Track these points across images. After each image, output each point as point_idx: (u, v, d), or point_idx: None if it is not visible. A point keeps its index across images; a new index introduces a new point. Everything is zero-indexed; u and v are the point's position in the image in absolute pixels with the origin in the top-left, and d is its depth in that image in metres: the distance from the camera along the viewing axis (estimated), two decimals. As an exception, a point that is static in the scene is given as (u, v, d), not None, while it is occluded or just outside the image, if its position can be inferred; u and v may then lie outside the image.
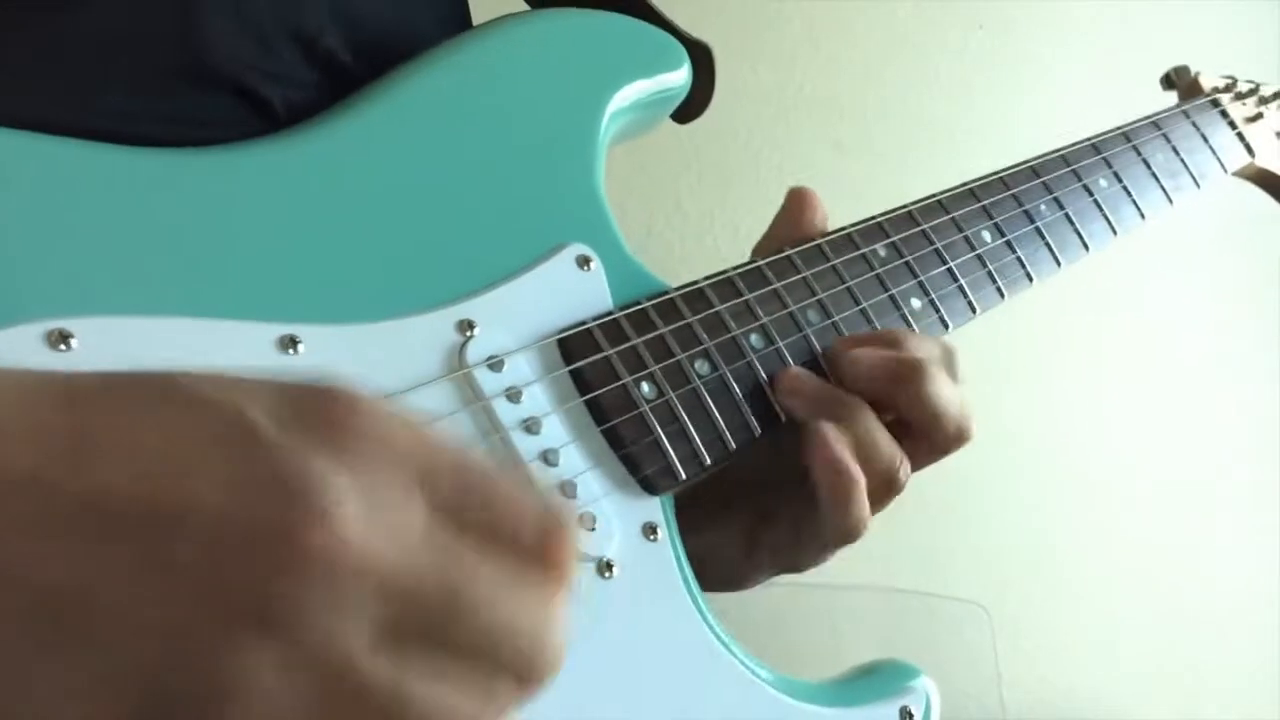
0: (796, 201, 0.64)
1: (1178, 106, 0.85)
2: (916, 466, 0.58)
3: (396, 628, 0.29)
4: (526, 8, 0.64)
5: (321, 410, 0.30)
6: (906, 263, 0.65)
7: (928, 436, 0.57)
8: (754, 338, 0.58)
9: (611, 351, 0.53)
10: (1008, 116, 1.80)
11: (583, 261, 0.56)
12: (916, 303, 0.64)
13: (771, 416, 0.57)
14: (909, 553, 1.72)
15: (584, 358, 0.53)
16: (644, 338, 0.55)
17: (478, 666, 0.31)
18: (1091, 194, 0.75)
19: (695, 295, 0.58)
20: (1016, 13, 1.86)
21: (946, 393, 0.57)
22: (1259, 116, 0.89)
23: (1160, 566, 1.90)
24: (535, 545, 0.32)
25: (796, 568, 0.60)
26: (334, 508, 0.28)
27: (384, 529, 0.29)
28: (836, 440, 0.54)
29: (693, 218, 1.57)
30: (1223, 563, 1.96)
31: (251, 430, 0.29)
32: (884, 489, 0.56)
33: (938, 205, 0.68)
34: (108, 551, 0.27)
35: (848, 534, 0.56)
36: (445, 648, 0.30)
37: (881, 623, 1.69)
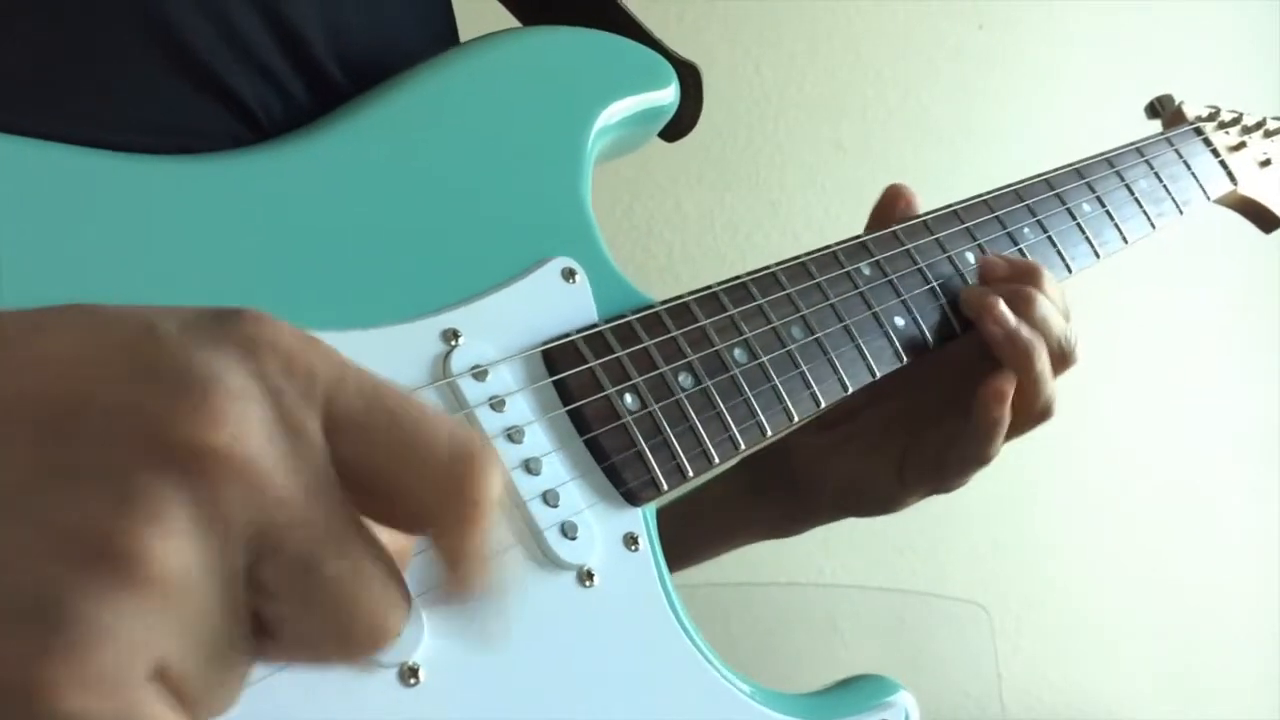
0: (891, 196, 0.71)
1: (1161, 134, 0.87)
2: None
3: (263, 541, 0.29)
4: (515, 25, 0.64)
5: (227, 321, 0.30)
6: (890, 281, 0.66)
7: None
8: (738, 352, 0.58)
9: (595, 363, 0.54)
10: (1008, 116, 1.80)
11: (568, 274, 0.56)
12: (900, 320, 0.65)
13: (753, 425, 0.57)
14: (909, 553, 1.72)
15: (567, 369, 0.53)
16: (628, 350, 0.55)
17: (325, 614, 0.30)
18: (1075, 218, 0.76)
19: (680, 309, 0.58)
20: (1016, 13, 1.86)
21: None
22: (1242, 145, 0.90)
23: (1160, 566, 1.90)
24: (446, 472, 0.31)
25: (944, 489, 0.69)
26: (229, 402, 0.28)
27: (279, 433, 0.29)
28: (1006, 312, 0.65)
29: (693, 218, 1.57)
30: (1223, 563, 1.96)
31: (156, 333, 0.29)
32: (1059, 359, 0.66)
33: (922, 226, 0.69)
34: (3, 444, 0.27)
35: (1043, 412, 0.66)
36: (305, 581, 0.29)
37: (881, 623, 1.69)
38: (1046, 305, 0.66)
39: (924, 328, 0.66)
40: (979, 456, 0.66)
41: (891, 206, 0.70)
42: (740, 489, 0.76)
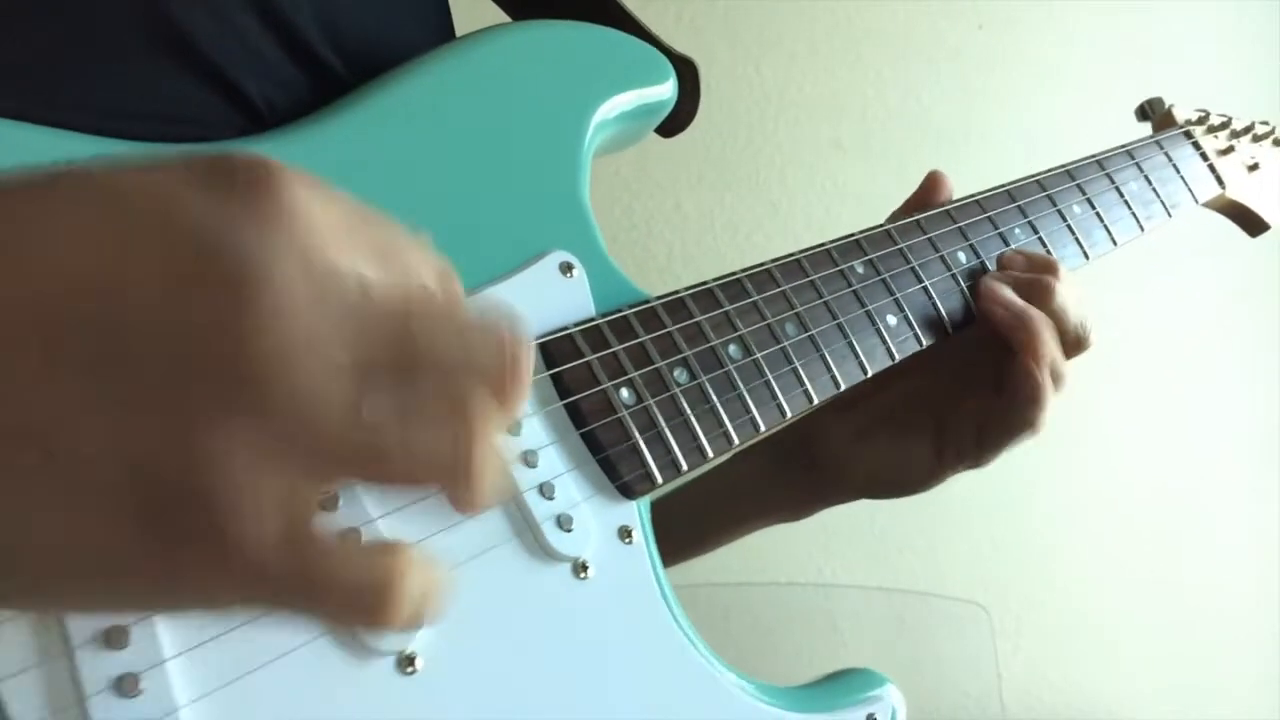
0: (931, 182, 0.74)
1: (1151, 137, 0.87)
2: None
3: (362, 375, 0.29)
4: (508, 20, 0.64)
5: (243, 187, 0.29)
6: (883, 280, 0.66)
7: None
8: (732, 348, 0.59)
9: (592, 357, 0.54)
10: (1007, 116, 1.80)
11: (565, 268, 0.56)
12: (892, 319, 0.66)
13: (747, 421, 0.58)
14: (909, 553, 1.72)
15: (565, 362, 0.54)
16: (624, 344, 0.55)
17: (445, 395, 0.31)
18: (1065, 219, 0.77)
19: (676, 305, 0.58)
20: (1016, 13, 1.86)
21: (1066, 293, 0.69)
22: (1230, 149, 0.91)
23: (1160, 566, 1.90)
24: (445, 293, 0.33)
25: (982, 463, 0.70)
26: (273, 282, 0.28)
27: (330, 292, 0.29)
28: (1009, 293, 0.68)
29: (693, 218, 1.57)
30: (1223, 563, 1.96)
31: (177, 213, 0.28)
32: (1073, 344, 0.68)
33: (915, 225, 0.70)
34: (55, 370, 0.27)
35: (1039, 392, 0.66)
36: (414, 384, 0.30)
37: (881, 623, 1.70)
38: (1063, 293, 0.68)
39: (915, 326, 0.67)
40: (1027, 424, 0.67)
41: (932, 192, 0.73)
42: (758, 472, 0.77)
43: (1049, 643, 1.82)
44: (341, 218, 0.31)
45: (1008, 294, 0.68)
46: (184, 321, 0.27)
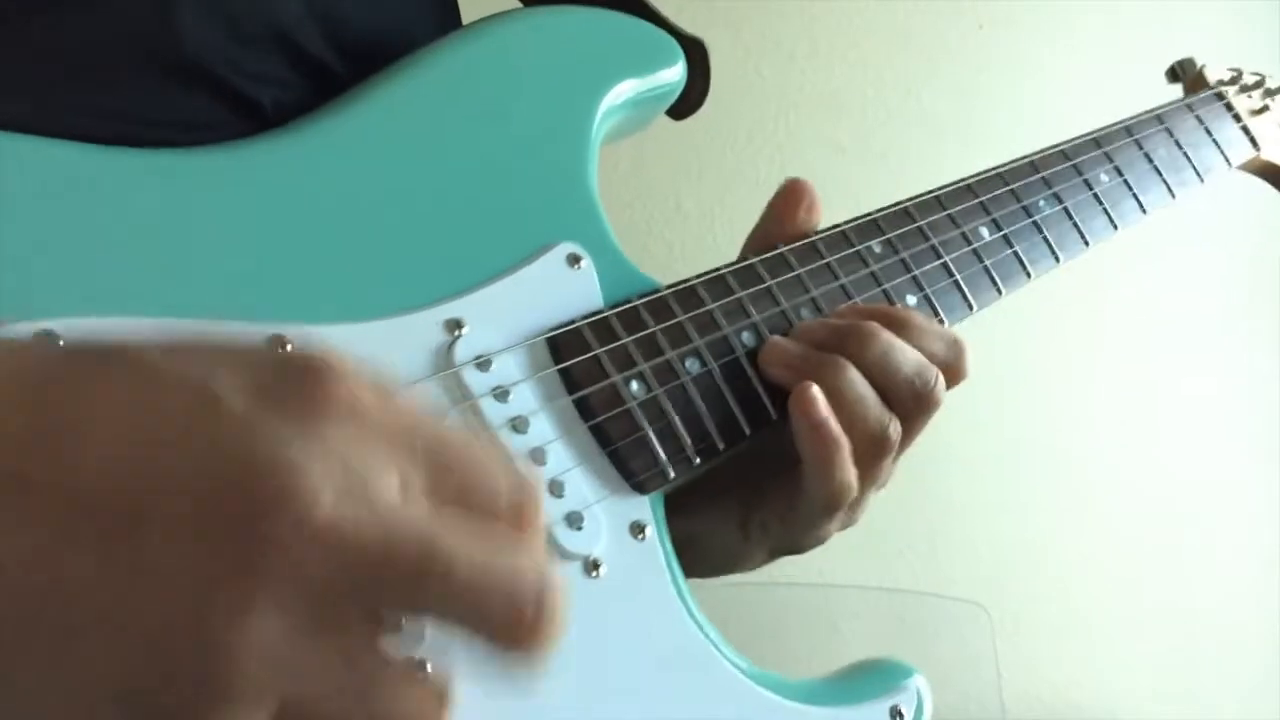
0: (791, 194, 0.63)
1: (1182, 100, 0.84)
2: (905, 435, 0.57)
3: (378, 602, 0.29)
4: (519, 5, 0.64)
5: (292, 381, 0.29)
6: (902, 259, 0.64)
7: (888, 398, 0.56)
8: (746, 335, 0.58)
9: (601, 350, 0.53)
10: (1008, 116, 1.80)
11: (573, 260, 0.56)
12: (911, 299, 0.64)
13: (762, 416, 0.57)
14: (909, 553, 1.72)
15: (573, 356, 0.53)
16: (634, 336, 0.54)
17: (466, 618, 0.31)
18: (1091, 188, 0.74)
19: (687, 293, 0.57)
20: (1016, 13, 1.86)
21: (899, 355, 0.56)
22: (1265, 109, 0.88)
23: (1160, 567, 1.90)
24: (509, 509, 0.32)
25: (796, 547, 0.60)
26: (302, 491, 0.28)
27: (359, 506, 0.29)
28: (817, 398, 0.54)
29: (693, 218, 1.57)
30: (1223, 563, 1.96)
31: (220, 408, 0.28)
32: (872, 449, 0.55)
33: (935, 201, 0.67)
34: (80, 549, 0.27)
35: (832, 498, 0.55)
36: (431, 610, 0.30)
37: (881, 623, 1.69)
38: (888, 342, 0.56)
39: (935, 303, 0.64)
40: (824, 496, 0.55)
41: (792, 205, 0.62)
42: None
43: (1049, 643, 1.82)
44: (399, 427, 0.31)
45: (790, 349, 0.57)
46: (209, 522, 0.27)
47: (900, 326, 0.58)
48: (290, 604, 0.28)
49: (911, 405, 0.56)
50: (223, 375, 0.29)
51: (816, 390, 0.54)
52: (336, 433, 0.29)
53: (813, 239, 0.62)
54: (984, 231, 0.68)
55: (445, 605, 0.30)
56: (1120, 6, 1.92)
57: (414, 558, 0.29)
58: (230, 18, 0.52)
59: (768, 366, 0.56)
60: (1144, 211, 0.76)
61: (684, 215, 1.56)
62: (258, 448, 0.28)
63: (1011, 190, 0.70)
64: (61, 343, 0.42)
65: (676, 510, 0.56)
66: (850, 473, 0.55)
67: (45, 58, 0.48)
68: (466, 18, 0.63)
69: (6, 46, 0.47)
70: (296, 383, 0.30)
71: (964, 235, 0.67)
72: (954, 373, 0.58)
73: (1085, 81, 1.86)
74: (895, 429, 0.56)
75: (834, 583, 1.63)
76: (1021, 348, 1.71)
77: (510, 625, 0.30)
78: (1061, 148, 0.74)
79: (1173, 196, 0.78)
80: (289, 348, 0.31)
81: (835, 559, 1.64)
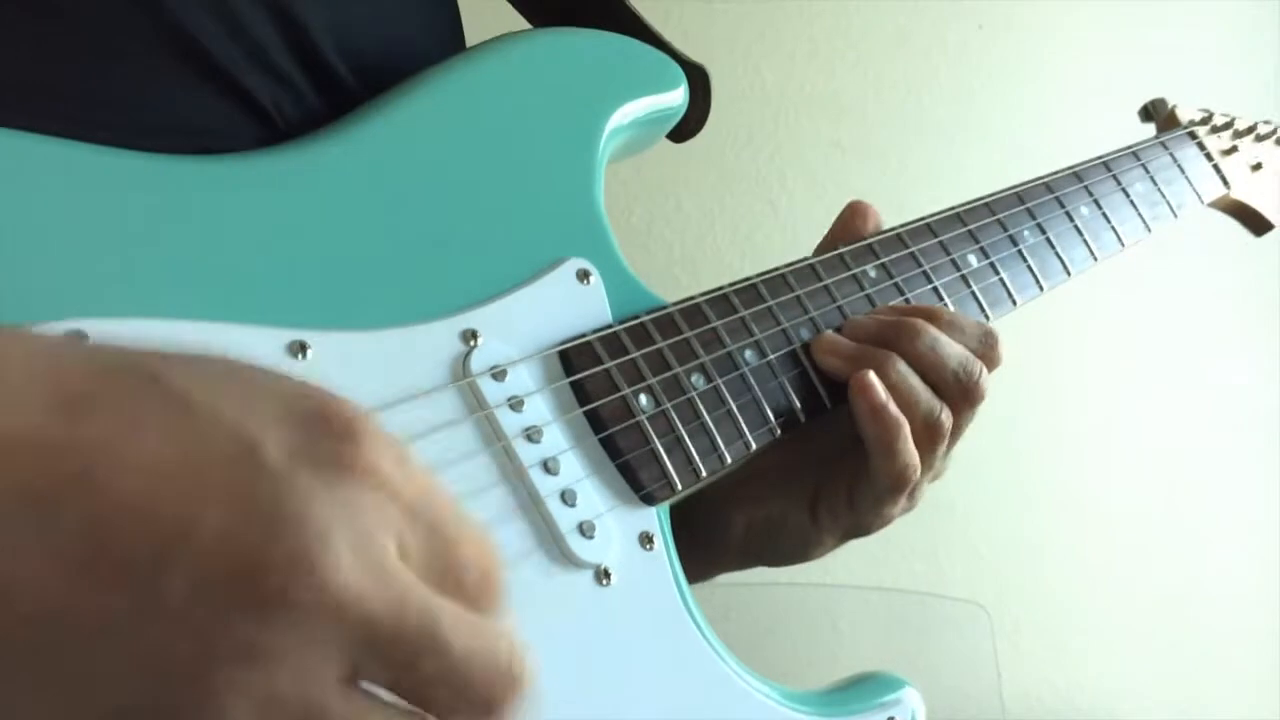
0: (852, 212, 0.68)
1: (1156, 138, 0.87)
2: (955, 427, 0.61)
3: (372, 668, 0.30)
4: (523, 25, 0.64)
5: (330, 440, 0.30)
6: (895, 283, 0.67)
7: (937, 390, 0.61)
8: (749, 353, 0.60)
9: (611, 364, 0.54)
10: (1007, 116, 1.80)
11: (583, 275, 0.57)
12: None
13: (765, 430, 0.58)
14: (909, 553, 1.72)
15: (584, 369, 0.54)
16: (642, 351, 0.56)
17: (451, 692, 0.31)
18: (1073, 220, 0.77)
19: (693, 311, 0.59)
20: (1016, 13, 1.86)
21: (945, 349, 0.61)
22: (1234, 149, 0.91)
23: (1160, 567, 1.90)
24: (478, 583, 0.33)
25: (864, 529, 0.64)
26: (326, 555, 0.28)
27: (375, 575, 0.30)
28: (876, 384, 0.59)
29: (693, 218, 1.57)
30: (1223, 563, 1.96)
31: (258, 459, 0.29)
32: (927, 436, 0.60)
33: (926, 229, 0.70)
34: (98, 585, 0.27)
35: (899, 477, 0.59)
36: (418, 681, 0.31)
37: (881, 623, 1.69)
38: (935, 337, 0.61)
39: None
40: (887, 478, 0.60)
41: (852, 221, 0.68)
42: None
43: (1049, 643, 1.82)
44: (413, 501, 0.32)
45: (843, 342, 0.61)
46: (228, 569, 0.28)
47: (942, 323, 0.62)
48: (293, 662, 0.28)
49: (958, 396, 0.61)
50: (261, 421, 0.29)
51: (874, 377, 0.59)
52: (362, 498, 0.30)
53: (811, 261, 0.65)
54: (972, 259, 0.71)
55: (434, 679, 0.31)
56: (1119, 7, 1.93)
57: (416, 633, 0.30)
58: (242, 18, 0.52)
59: (822, 357, 0.61)
60: (1122, 245, 0.79)
61: (684, 215, 1.56)
62: (289, 507, 0.29)
63: (999, 220, 0.73)
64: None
65: (746, 500, 0.64)
66: (913, 453, 0.59)
67: (51, 59, 0.48)
68: (479, 37, 0.64)
69: (7, 47, 0.47)
70: (333, 441, 0.30)
71: (954, 262, 0.70)
72: (990, 361, 0.63)
73: (1085, 82, 1.87)
74: (947, 415, 0.61)
75: (834, 583, 1.64)
76: (1021, 348, 1.72)
77: (488, 701, 0.32)
78: (1044, 181, 0.78)
79: (1149, 230, 0.81)
80: (325, 401, 0.31)
81: (835, 559, 1.64)
